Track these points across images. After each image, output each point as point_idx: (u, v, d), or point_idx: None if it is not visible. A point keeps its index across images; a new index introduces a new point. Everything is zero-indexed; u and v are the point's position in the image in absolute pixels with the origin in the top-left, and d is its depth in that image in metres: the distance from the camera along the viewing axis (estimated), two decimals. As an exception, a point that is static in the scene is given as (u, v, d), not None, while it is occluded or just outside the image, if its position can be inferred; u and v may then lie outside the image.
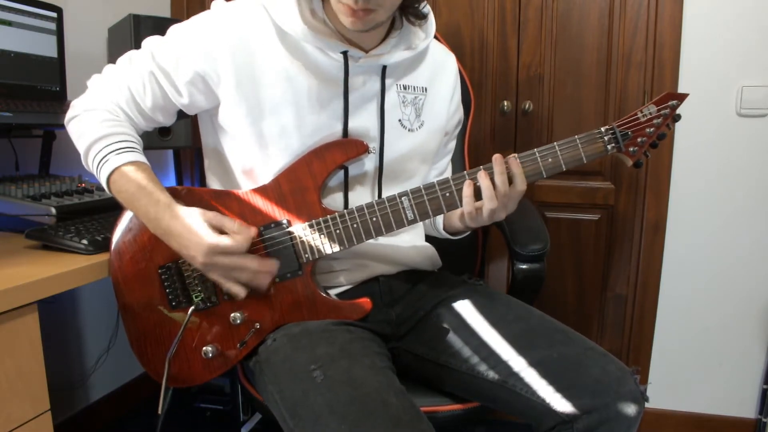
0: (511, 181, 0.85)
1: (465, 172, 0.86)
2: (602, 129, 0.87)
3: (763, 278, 1.56)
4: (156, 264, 0.87)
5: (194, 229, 0.79)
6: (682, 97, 0.86)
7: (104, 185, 0.86)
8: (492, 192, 0.83)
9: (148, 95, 0.89)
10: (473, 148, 1.35)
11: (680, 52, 1.50)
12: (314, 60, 0.88)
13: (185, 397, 1.78)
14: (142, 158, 0.86)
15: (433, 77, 1.00)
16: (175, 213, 0.81)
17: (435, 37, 0.99)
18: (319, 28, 0.87)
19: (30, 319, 0.76)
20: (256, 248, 0.86)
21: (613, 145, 0.87)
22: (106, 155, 0.84)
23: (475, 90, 1.35)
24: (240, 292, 0.83)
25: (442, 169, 1.11)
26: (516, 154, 0.86)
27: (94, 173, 0.87)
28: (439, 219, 1.04)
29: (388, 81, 0.93)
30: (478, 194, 0.85)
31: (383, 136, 0.93)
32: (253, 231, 0.84)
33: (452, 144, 1.12)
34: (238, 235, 0.81)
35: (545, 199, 1.67)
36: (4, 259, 0.85)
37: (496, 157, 0.84)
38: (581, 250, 1.67)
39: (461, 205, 0.87)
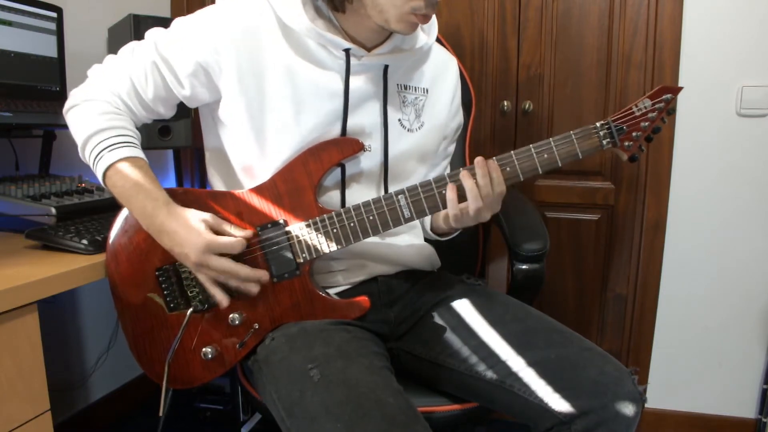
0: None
1: (459, 169, 0.86)
2: (597, 124, 0.87)
3: (763, 278, 1.56)
4: (153, 266, 0.87)
5: (191, 227, 0.80)
6: (676, 91, 0.86)
7: (100, 179, 0.86)
8: (477, 192, 0.83)
9: (150, 86, 0.89)
10: (473, 148, 1.35)
11: (680, 52, 1.50)
12: (316, 56, 0.88)
13: (185, 398, 1.78)
14: (140, 153, 0.86)
15: (434, 79, 1.00)
16: (173, 210, 0.82)
17: (438, 40, 0.99)
18: (323, 24, 0.87)
19: (30, 319, 0.76)
20: (252, 249, 0.86)
21: (608, 140, 0.87)
22: (103, 149, 0.84)
23: (475, 90, 1.35)
24: (223, 300, 0.84)
25: (440, 173, 1.11)
26: (494, 157, 0.86)
27: (90, 166, 0.87)
28: (427, 220, 1.04)
29: (389, 81, 0.93)
30: (461, 197, 0.85)
31: (387, 136, 0.93)
32: (249, 233, 0.84)
33: (452, 148, 1.12)
34: (234, 236, 0.82)
35: (545, 199, 1.67)
36: (4, 259, 0.85)
37: (478, 161, 0.84)
38: (581, 250, 1.67)
39: (457, 202, 0.86)
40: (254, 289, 0.84)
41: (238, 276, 0.82)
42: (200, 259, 0.80)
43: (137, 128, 0.91)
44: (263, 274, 0.84)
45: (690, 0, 1.47)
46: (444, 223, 0.96)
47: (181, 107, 0.96)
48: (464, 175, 0.84)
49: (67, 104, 0.91)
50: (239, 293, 0.85)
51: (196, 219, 0.81)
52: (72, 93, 0.92)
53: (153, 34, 0.90)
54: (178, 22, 0.89)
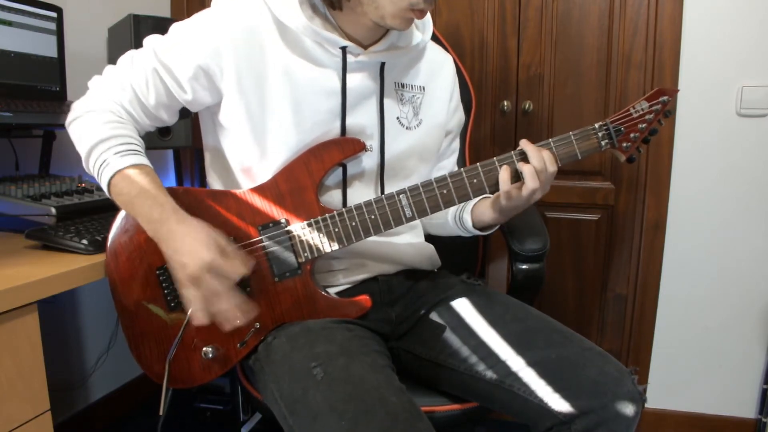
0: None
1: (462, 169, 0.87)
2: (596, 125, 0.88)
3: (763, 278, 1.56)
4: (154, 265, 0.87)
5: (200, 239, 0.76)
6: (672, 93, 0.87)
7: (104, 187, 0.84)
8: (534, 171, 0.84)
9: (152, 93, 0.89)
10: (474, 147, 1.35)
11: (680, 52, 1.50)
12: (313, 54, 0.88)
13: (185, 398, 1.78)
14: (145, 161, 0.85)
15: (430, 77, 1.01)
16: (182, 218, 0.79)
17: (435, 36, 1.00)
18: (320, 23, 0.87)
19: (30, 319, 0.76)
20: (254, 248, 0.86)
21: (606, 141, 0.88)
22: (107, 158, 0.83)
23: (475, 90, 1.35)
24: (203, 319, 0.77)
25: (448, 170, 1.09)
26: (495, 158, 0.87)
27: (95, 176, 0.86)
28: (467, 216, 1.00)
29: (386, 79, 0.93)
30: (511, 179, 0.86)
31: (383, 134, 0.93)
32: (251, 264, 0.81)
33: (456, 143, 1.12)
34: (236, 262, 0.78)
35: (545, 199, 1.62)
36: (4, 259, 0.85)
37: (525, 142, 0.86)
38: (581, 250, 1.67)
39: (458, 202, 0.87)
40: (233, 321, 0.79)
41: (226, 303, 0.77)
42: (198, 274, 0.75)
43: (141, 136, 0.91)
44: (251, 311, 0.80)
45: (690, 0, 1.47)
46: (493, 208, 0.94)
47: (181, 108, 0.95)
48: (520, 160, 0.86)
49: (70, 116, 0.90)
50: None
51: (207, 234, 0.78)
52: (74, 105, 0.91)
53: (151, 41, 0.89)
54: (175, 27, 0.89)
